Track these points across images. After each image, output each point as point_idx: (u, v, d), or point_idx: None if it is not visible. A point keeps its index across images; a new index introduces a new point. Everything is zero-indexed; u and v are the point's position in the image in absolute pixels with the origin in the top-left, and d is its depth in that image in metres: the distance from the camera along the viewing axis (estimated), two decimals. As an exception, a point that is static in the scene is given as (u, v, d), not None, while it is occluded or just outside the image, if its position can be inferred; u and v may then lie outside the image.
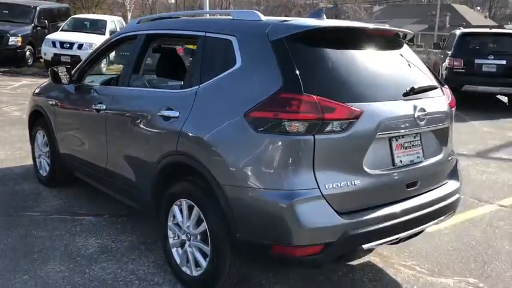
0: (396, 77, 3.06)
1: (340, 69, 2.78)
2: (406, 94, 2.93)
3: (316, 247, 2.59)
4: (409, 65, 3.22)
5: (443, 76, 12.02)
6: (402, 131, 2.88)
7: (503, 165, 6.86)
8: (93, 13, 25.38)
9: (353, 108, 2.63)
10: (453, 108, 3.39)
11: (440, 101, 3.23)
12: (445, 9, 51.60)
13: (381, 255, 3.82)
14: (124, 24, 18.67)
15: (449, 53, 11.95)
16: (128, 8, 38.38)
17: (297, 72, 2.63)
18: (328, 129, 2.57)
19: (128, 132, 3.61)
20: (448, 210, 3.22)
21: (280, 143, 2.57)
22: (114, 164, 3.84)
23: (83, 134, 4.33)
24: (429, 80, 3.27)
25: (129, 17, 31.68)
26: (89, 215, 4.39)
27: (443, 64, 12.40)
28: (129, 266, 3.47)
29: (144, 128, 3.43)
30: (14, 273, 3.29)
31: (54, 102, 4.70)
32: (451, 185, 3.32)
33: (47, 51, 14.99)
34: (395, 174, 2.88)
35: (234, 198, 2.70)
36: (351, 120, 2.62)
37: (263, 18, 3.05)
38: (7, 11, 16.63)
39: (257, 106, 2.64)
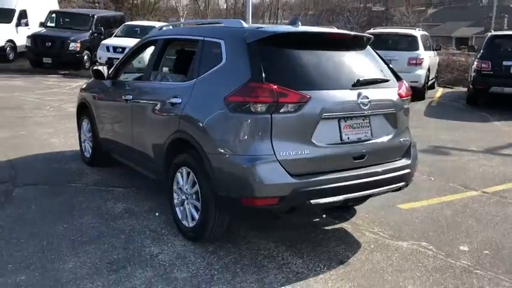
0: (347, 71, 3.83)
1: (297, 64, 3.60)
2: (354, 85, 3.70)
3: (273, 199, 3.40)
4: (363, 62, 3.99)
5: (472, 78, 12.34)
6: (348, 113, 3.63)
7: (506, 160, 7.28)
8: (148, 20, 27.01)
9: (303, 94, 3.42)
10: (406, 98, 4.08)
11: (387, 91, 3.96)
12: (503, 11, 50.10)
13: (354, 223, 4.54)
14: (172, 30, 19.99)
15: (478, 55, 12.25)
16: (181, 14, 40.24)
17: (262, 67, 3.46)
18: (282, 110, 3.38)
19: (147, 117, 4.55)
20: (396, 181, 3.93)
21: (246, 120, 3.41)
22: (137, 143, 4.80)
23: (115, 121, 5.32)
24: (381, 74, 4.01)
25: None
26: (119, 187, 5.36)
27: (472, 66, 12.69)
28: (144, 222, 4.39)
29: (158, 112, 4.36)
30: (57, 223, 4.29)
31: (95, 96, 5.75)
32: (401, 162, 4.03)
33: (102, 55, 16.46)
34: (342, 148, 3.65)
35: (215, 163, 3.56)
36: (301, 104, 3.42)
37: (245, 25, 3.91)
38: (68, 19, 18.41)
39: (232, 92, 3.48)
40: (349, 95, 3.65)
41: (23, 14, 18.50)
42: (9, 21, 18.04)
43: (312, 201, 3.47)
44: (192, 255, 3.78)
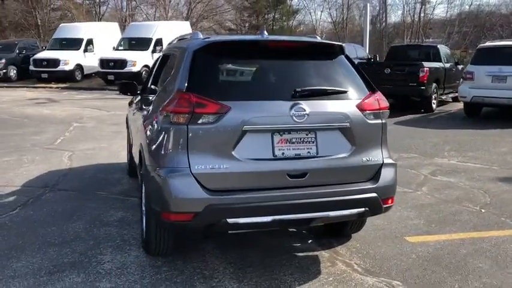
0: (288, 81, 3.46)
1: (228, 74, 3.39)
2: (293, 96, 3.33)
3: (187, 215, 3.21)
4: (318, 72, 3.60)
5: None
6: (283, 126, 3.28)
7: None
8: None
9: (222, 104, 3.20)
10: (371, 112, 3.55)
11: (339, 103, 3.48)
12: None
13: (336, 252, 4.09)
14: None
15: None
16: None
17: (193, 77, 3.34)
18: (200, 121, 3.20)
19: (140, 129, 4.67)
20: (352, 206, 3.42)
21: (168, 131, 3.30)
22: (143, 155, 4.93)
23: (138, 131, 5.57)
24: (337, 85, 3.56)
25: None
26: (136, 197, 5.58)
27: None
28: (125, 231, 4.49)
29: (145, 125, 4.42)
30: (49, 225, 4.63)
31: (130, 110, 6.11)
32: (363, 185, 3.50)
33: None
34: (273, 164, 3.29)
35: (147, 175, 3.51)
36: (220, 114, 3.19)
37: (200, 37, 3.80)
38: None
39: (165, 104, 3.42)
40: (280, 107, 3.30)
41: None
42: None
43: (228, 220, 3.20)
44: (135, 266, 3.76)
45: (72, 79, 21.29)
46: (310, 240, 4.33)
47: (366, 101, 3.55)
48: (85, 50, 22.07)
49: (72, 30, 22.87)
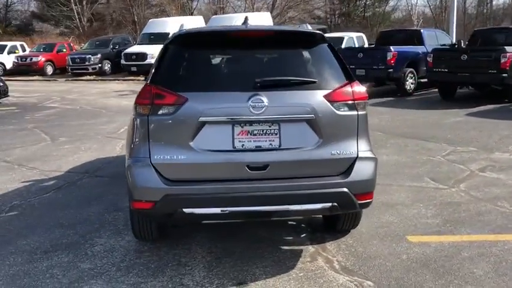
0: (251, 72, 3.39)
1: (192, 65, 3.41)
2: (254, 87, 3.26)
3: (147, 203, 3.30)
4: (287, 61, 3.48)
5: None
6: (244, 118, 3.23)
7: None
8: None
9: (179, 95, 3.23)
10: (343, 103, 3.36)
11: (305, 94, 3.33)
12: None
13: (323, 247, 3.95)
14: (365, 40, 19.64)
15: None
16: (415, 22, 38.52)
17: (157, 68, 3.42)
18: (160, 112, 3.27)
19: None
20: (318, 200, 3.29)
21: (135, 122, 3.42)
22: None
23: None
24: (302, 75, 3.43)
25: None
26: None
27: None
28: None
29: None
30: (68, 208, 4.99)
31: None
32: (332, 179, 3.34)
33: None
34: (232, 155, 3.26)
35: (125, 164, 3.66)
36: (177, 105, 3.23)
37: (183, 29, 3.83)
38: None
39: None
40: (238, 98, 3.24)
41: None
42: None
43: (185, 210, 3.24)
44: (122, 250, 3.95)
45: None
46: (304, 234, 4.24)
47: (336, 91, 3.37)
48: (175, 44, 23.18)
49: (160, 25, 24.04)
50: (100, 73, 23.16)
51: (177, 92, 3.26)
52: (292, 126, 3.32)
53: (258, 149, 3.29)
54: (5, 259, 3.82)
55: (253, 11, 31.39)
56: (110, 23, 35.90)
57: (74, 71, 23.33)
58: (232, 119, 3.24)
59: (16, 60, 24.45)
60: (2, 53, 25.16)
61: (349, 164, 3.40)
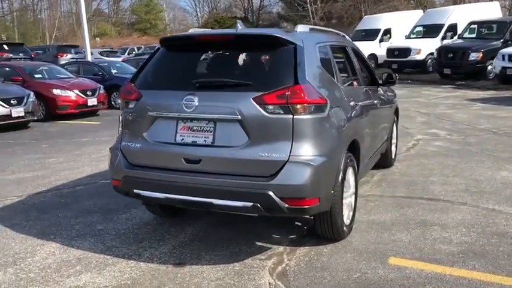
0: (196, 72, 3.64)
1: (161, 66, 3.86)
2: (196, 87, 3.54)
3: (116, 181, 3.89)
4: (228, 62, 3.64)
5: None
6: (186, 115, 3.53)
7: None
8: None
9: (138, 92, 3.73)
10: (274, 105, 3.32)
11: (233, 95, 3.41)
12: None
13: (287, 254, 3.93)
14: None
15: None
16: None
17: (140, 68, 4.00)
18: (128, 106, 3.83)
19: None
20: (240, 198, 3.36)
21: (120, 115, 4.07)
22: None
23: None
24: (241, 77, 3.52)
25: None
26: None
27: None
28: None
29: None
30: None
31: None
32: (257, 179, 3.35)
33: (496, 65, 15.33)
34: (173, 148, 3.59)
35: None
36: (136, 101, 3.74)
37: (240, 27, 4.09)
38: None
39: None
40: (176, 97, 3.54)
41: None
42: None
43: (135, 190, 3.73)
44: (119, 231, 4.40)
45: (365, 69, 22.42)
46: (293, 236, 4.21)
47: (268, 94, 3.35)
48: (381, 40, 22.78)
49: (372, 22, 23.95)
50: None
51: (139, 89, 3.79)
52: (226, 126, 3.47)
53: (194, 144, 3.55)
54: (36, 224, 4.98)
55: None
56: (337, 21, 37.07)
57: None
58: (176, 115, 3.60)
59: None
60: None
61: (278, 167, 3.35)
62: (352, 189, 4.17)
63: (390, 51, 20.40)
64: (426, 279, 3.37)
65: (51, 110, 12.32)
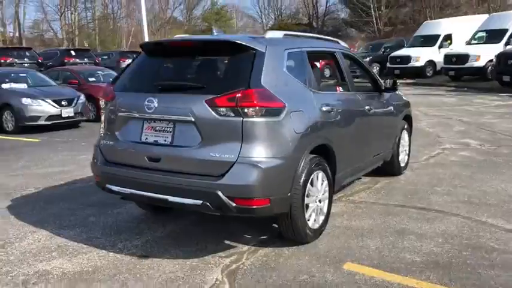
0: (161, 76, 3.86)
1: (135, 69, 4.12)
2: (160, 89, 3.78)
3: (96, 177, 4.21)
4: (199, 68, 3.78)
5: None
6: (150, 115, 3.75)
7: None
8: None
9: (113, 94, 4.01)
10: (220, 107, 3.47)
11: (187, 98, 3.60)
12: None
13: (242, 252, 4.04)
14: None
15: None
16: None
17: (123, 71, 4.29)
18: (107, 106, 4.12)
19: None
20: (191, 196, 3.52)
21: None
22: None
23: None
24: (197, 80, 3.72)
25: None
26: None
27: None
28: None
29: None
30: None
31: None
32: (208, 179, 3.50)
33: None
34: (138, 147, 3.82)
35: None
36: (112, 102, 4.03)
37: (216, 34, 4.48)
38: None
39: None
40: (140, 98, 3.77)
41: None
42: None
43: (107, 185, 4.01)
44: (105, 224, 4.69)
45: (422, 75, 21.75)
46: (265, 236, 4.29)
47: (219, 97, 3.49)
48: (440, 46, 22.00)
49: (432, 27, 23.17)
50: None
51: (116, 91, 4.07)
52: (183, 127, 3.66)
53: (155, 143, 3.77)
54: (42, 211, 5.39)
55: None
56: (401, 26, 36.15)
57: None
58: (138, 115, 3.84)
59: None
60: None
61: (227, 167, 3.48)
62: (323, 194, 4.19)
63: (448, 58, 19.65)
64: (372, 286, 3.36)
65: (99, 111, 13.04)
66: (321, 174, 4.12)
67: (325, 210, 4.28)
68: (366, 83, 5.80)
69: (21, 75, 12.33)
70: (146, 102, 3.78)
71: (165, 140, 3.75)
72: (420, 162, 7.10)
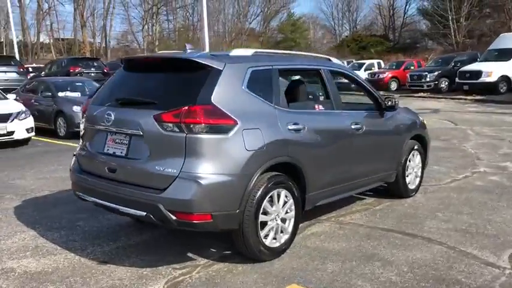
0: (122, 90, 4.09)
1: (108, 83, 4.37)
2: (120, 103, 3.98)
3: (72, 184, 4.47)
4: (157, 83, 3.95)
5: None
6: (112, 128, 3.96)
7: None
8: None
9: (86, 107, 4.27)
10: (165, 123, 3.58)
11: (138, 113, 3.79)
12: None
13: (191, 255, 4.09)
14: None
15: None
16: None
17: (102, 85, 4.55)
18: (84, 118, 4.39)
19: None
20: (138, 207, 3.65)
21: None
22: None
23: None
24: (151, 96, 3.85)
25: None
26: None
27: None
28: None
29: None
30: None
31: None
32: (151, 191, 3.62)
33: None
34: (100, 157, 4.03)
35: None
36: (84, 113, 4.29)
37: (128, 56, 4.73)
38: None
39: None
40: (102, 112, 4.00)
41: None
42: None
43: (77, 192, 4.27)
44: (90, 229, 4.98)
45: (494, 91, 20.43)
46: (229, 252, 4.32)
47: (165, 113, 3.59)
48: (516, 61, 20.59)
49: (509, 40, 21.70)
50: (436, 90, 23.03)
51: (91, 104, 4.33)
52: (136, 140, 3.81)
53: (113, 155, 3.95)
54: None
55: None
56: (484, 39, 34.20)
57: (411, 88, 24.06)
58: (100, 127, 4.07)
59: (367, 77, 27.20)
60: (359, 70, 28.44)
61: (170, 181, 3.56)
62: (286, 213, 4.15)
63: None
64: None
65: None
66: (283, 192, 4.08)
67: (289, 229, 4.22)
68: (368, 102, 5.62)
69: (77, 84, 13.23)
70: (106, 115, 3.99)
71: (121, 152, 3.92)
72: (440, 185, 6.73)
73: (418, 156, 6.17)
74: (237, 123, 3.70)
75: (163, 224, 3.69)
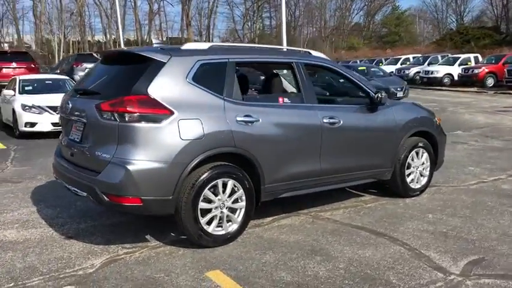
0: (85, 81, 4.36)
1: (82, 77, 4.76)
2: (78, 93, 4.39)
3: (53, 169, 4.93)
4: (111, 74, 4.28)
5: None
6: (72, 116, 4.35)
7: None
8: None
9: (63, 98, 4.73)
10: (103, 111, 3.85)
11: (84, 102, 4.21)
12: None
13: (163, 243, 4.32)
14: None
15: None
16: None
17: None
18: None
19: None
20: (82, 188, 4.03)
21: None
22: None
23: None
24: (105, 86, 4.20)
25: None
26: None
27: None
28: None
29: None
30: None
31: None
32: (91, 174, 3.96)
33: None
34: (67, 142, 4.43)
35: None
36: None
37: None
38: None
39: None
40: (65, 101, 4.44)
41: None
42: None
43: (55, 176, 4.74)
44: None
45: None
46: (173, 234, 4.47)
47: (103, 102, 3.87)
48: None
49: None
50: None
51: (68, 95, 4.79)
52: (86, 127, 4.16)
53: (73, 140, 4.34)
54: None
55: None
56: None
57: (508, 84, 22.06)
58: (70, 117, 4.47)
59: (461, 72, 25.41)
60: (453, 65, 26.65)
61: (104, 166, 3.86)
62: (233, 203, 4.24)
63: None
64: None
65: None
66: (230, 182, 4.18)
67: (239, 219, 4.30)
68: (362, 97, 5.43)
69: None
70: (66, 105, 4.41)
71: (77, 138, 4.31)
72: (458, 186, 6.31)
73: (425, 155, 5.83)
74: (173, 113, 3.87)
75: (102, 205, 4.01)
